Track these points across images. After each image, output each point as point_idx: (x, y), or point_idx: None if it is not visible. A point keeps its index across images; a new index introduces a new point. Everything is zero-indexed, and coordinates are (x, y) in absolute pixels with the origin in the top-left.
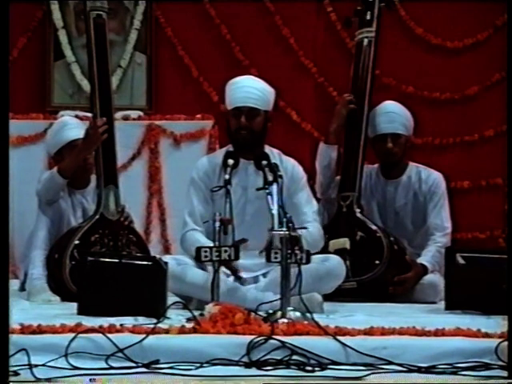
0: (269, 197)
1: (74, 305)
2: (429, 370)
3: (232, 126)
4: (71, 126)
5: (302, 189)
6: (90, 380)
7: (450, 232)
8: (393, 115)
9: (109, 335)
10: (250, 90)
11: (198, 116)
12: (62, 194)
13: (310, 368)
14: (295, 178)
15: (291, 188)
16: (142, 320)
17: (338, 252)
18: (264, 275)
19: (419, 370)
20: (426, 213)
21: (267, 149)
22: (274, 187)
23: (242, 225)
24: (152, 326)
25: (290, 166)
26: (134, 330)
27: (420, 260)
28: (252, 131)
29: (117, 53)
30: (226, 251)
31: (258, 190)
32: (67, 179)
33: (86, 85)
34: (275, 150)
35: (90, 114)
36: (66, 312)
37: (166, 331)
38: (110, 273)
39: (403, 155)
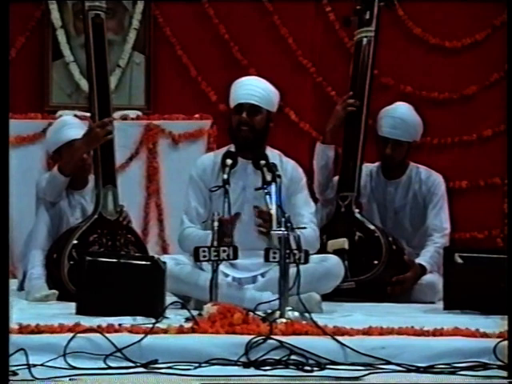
0: (267, 197)
1: (73, 304)
2: (427, 370)
3: (233, 122)
4: (71, 126)
5: (300, 190)
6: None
7: (449, 233)
8: (399, 121)
9: (107, 335)
10: (252, 87)
11: (197, 116)
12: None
13: (308, 368)
14: (295, 179)
15: (290, 189)
16: (140, 320)
17: (336, 252)
18: (262, 275)
19: (418, 369)
20: (426, 214)
21: (268, 150)
22: (273, 187)
23: (240, 224)
24: (150, 325)
25: (290, 168)
26: (132, 330)
27: (418, 260)
28: (253, 128)
29: (115, 52)
30: (224, 251)
31: (257, 189)
32: (68, 177)
33: (84, 84)
34: (276, 151)
35: (88, 114)
36: (64, 312)
37: (165, 331)
38: (108, 273)
39: (404, 159)
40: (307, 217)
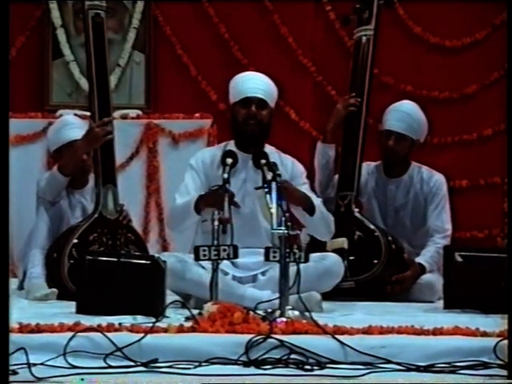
0: (267, 195)
1: (73, 304)
2: (427, 369)
3: (240, 116)
4: (72, 126)
5: (303, 183)
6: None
7: (450, 234)
8: (403, 115)
9: (107, 334)
10: (259, 81)
11: (197, 115)
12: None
13: (308, 367)
14: (296, 174)
15: (293, 183)
16: (140, 319)
17: (336, 252)
18: (263, 273)
19: (418, 368)
20: (426, 214)
21: (266, 147)
22: (273, 186)
23: (240, 217)
24: (150, 324)
25: (289, 163)
26: (132, 329)
27: (418, 259)
28: (260, 122)
29: (115, 52)
30: (224, 250)
31: (257, 188)
32: (68, 177)
33: (84, 83)
34: (273, 148)
35: (88, 113)
36: (64, 311)
37: (165, 330)
38: (108, 272)
39: (406, 156)
40: (318, 204)
